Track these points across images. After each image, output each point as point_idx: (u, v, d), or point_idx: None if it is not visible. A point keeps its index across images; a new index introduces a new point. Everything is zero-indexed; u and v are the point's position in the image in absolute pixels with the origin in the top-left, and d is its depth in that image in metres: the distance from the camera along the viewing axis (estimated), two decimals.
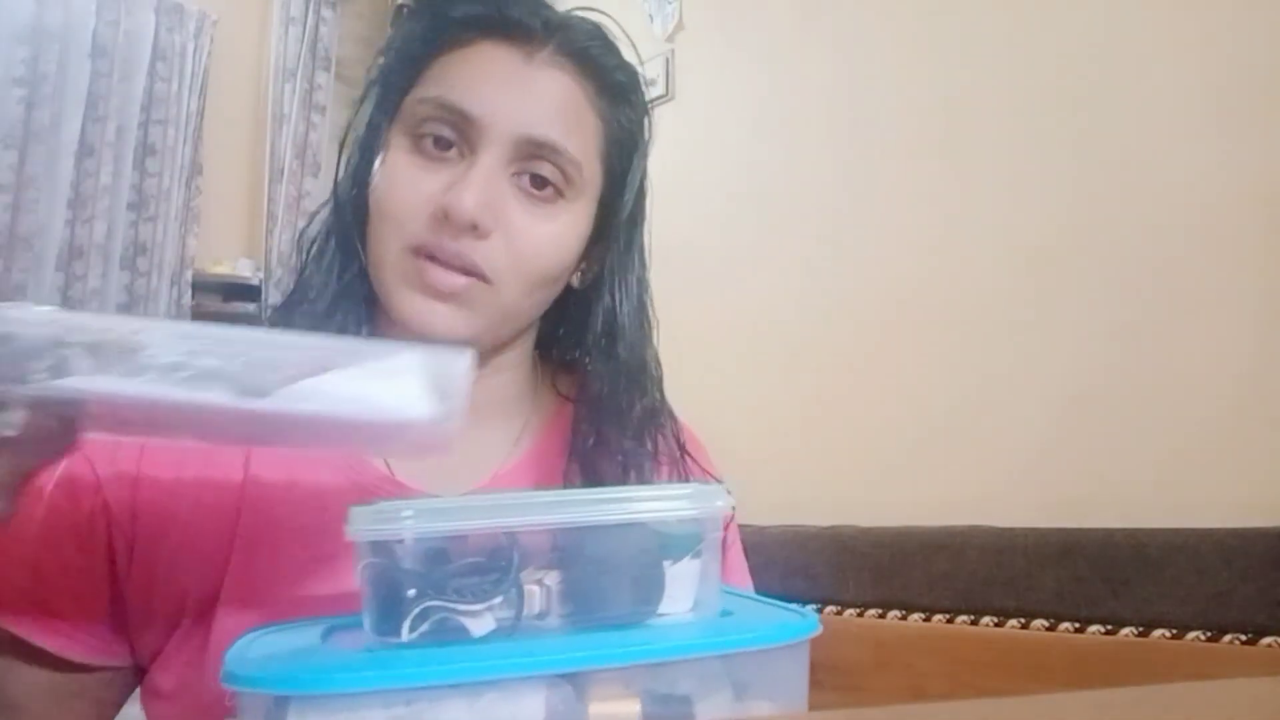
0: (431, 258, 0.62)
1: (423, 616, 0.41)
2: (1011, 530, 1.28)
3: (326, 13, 3.19)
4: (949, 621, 1.28)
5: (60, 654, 0.62)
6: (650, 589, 0.44)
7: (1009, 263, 1.58)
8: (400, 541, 0.41)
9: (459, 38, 0.66)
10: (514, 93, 0.64)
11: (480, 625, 0.42)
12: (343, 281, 0.68)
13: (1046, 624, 1.19)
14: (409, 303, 0.63)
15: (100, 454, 0.62)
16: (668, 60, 2.32)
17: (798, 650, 0.43)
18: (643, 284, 0.74)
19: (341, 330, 0.67)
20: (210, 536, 0.62)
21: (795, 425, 1.87)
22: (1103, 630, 1.15)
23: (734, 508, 0.47)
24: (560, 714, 0.38)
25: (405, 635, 0.41)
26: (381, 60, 0.70)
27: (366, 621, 0.43)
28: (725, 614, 0.47)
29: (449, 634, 0.41)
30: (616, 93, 0.69)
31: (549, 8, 0.67)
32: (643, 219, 0.73)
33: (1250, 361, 1.29)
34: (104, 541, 0.62)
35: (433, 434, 0.40)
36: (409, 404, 0.39)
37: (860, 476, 1.46)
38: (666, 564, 0.45)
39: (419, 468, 0.67)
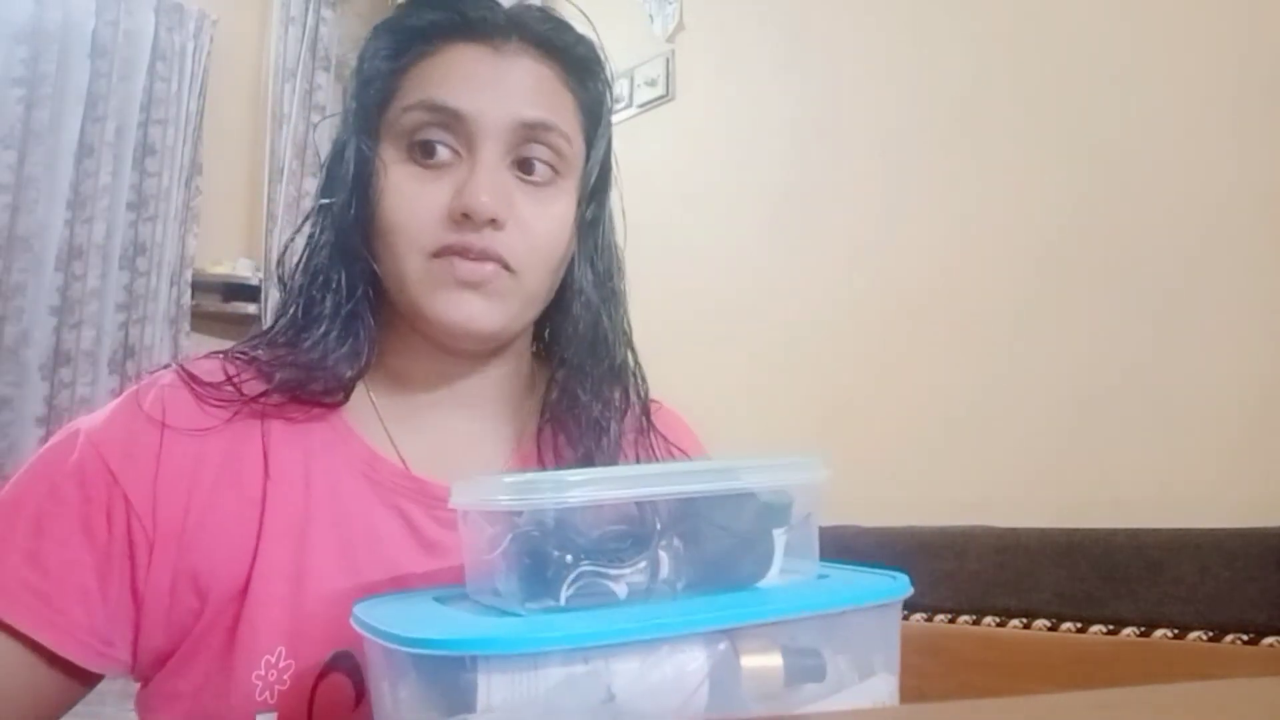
0: (457, 254, 0.64)
1: (576, 580, 0.43)
2: (1014, 530, 1.28)
3: (326, 13, 3.19)
4: (951, 621, 1.28)
5: (56, 650, 0.60)
6: (763, 555, 0.47)
7: (1012, 265, 1.58)
8: (555, 510, 0.43)
9: (425, 48, 0.68)
10: (495, 85, 0.67)
11: (620, 589, 0.44)
12: (353, 302, 0.68)
13: (1048, 624, 1.19)
14: (443, 300, 0.65)
15: (112, 447, 0.62)
16: (668, 60, 2.31)
17: (892, 609, 0.48)
18: (609, 252, 0.76)
19: (354, 352, 0.68)
20: (235, 532, 0.62)
21: (797, 426, 1.87)
22: (1104, 630, 1.14)
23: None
24: (720, 667, 0.41)
25: (563, 599, 0.42)
26: (353, 84, 0.71)
27: (513, 587, 0.44)
28: (823, 577, 0.49)
29: (598, 597, 0.43)
30: (582, 67, 0.72)
31: (499, 3, 0.70)
32: (609, 188, 0.75)
33: (1252, 362, 1.29)
34: (123, 536, 0.60)
35: None
36: None
37: (862, 476, 1.46)
38: (776, 532, 0.47)
39: (432, 462, 0.68)
